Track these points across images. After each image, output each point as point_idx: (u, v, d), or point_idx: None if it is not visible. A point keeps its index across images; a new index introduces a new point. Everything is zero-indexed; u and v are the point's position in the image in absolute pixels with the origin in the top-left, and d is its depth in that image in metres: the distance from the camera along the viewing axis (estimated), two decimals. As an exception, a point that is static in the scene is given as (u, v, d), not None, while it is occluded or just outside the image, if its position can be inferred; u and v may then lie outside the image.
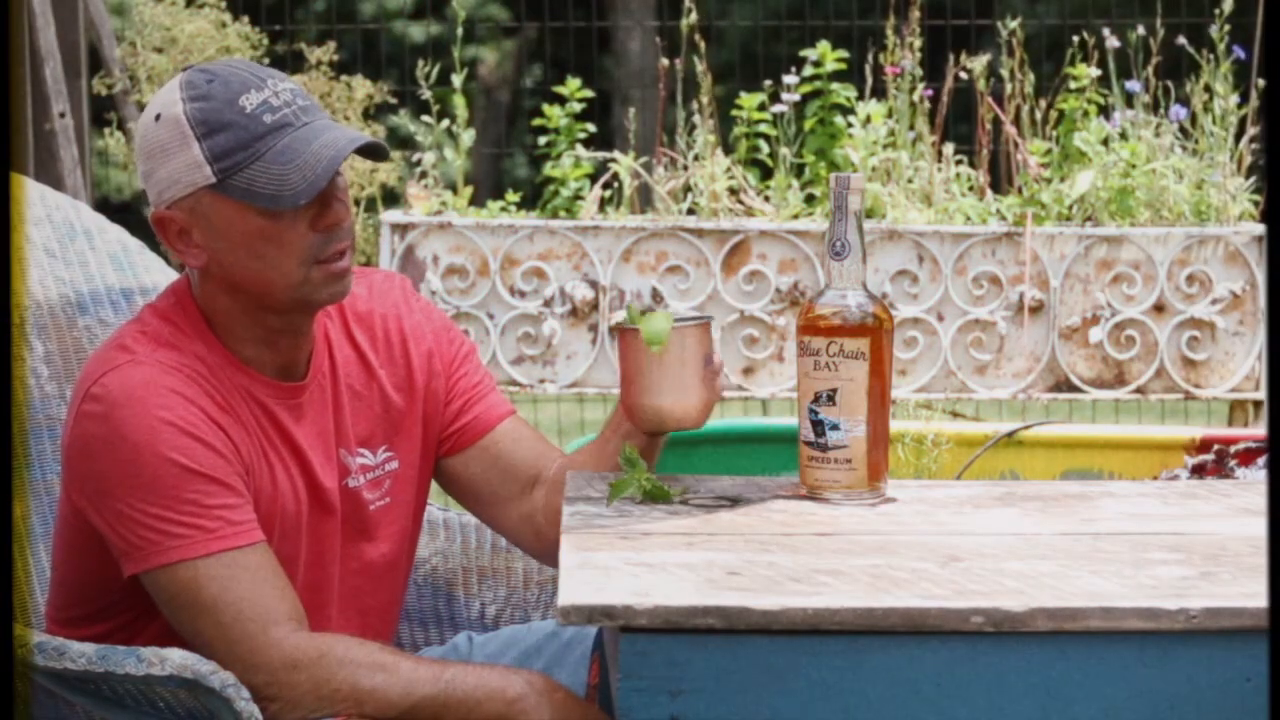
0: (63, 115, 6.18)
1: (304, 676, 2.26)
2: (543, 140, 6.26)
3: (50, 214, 2.76)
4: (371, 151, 2.37)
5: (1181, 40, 6.32)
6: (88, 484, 2.32)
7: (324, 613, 2.45)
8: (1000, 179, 6.24)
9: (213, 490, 2.29)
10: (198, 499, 2.28)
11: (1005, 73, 6.18)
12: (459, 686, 2.30)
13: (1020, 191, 6.05)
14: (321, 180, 2.30)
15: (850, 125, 6.11)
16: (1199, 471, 4.57)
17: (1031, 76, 6.22)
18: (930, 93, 6.16)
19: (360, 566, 2.49)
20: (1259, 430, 5.31)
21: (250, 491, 2.34)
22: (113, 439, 2.29)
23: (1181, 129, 6.11)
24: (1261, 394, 5.90)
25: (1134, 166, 5.98)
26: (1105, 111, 6.17)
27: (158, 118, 2.36)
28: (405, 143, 6.50)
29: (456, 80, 6.13)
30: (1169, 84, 6.19)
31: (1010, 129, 6.13)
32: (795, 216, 5.95)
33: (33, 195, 2.76)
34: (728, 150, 6.17)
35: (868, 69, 6.30)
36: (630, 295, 5.84)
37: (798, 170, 6.12)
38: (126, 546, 2.30)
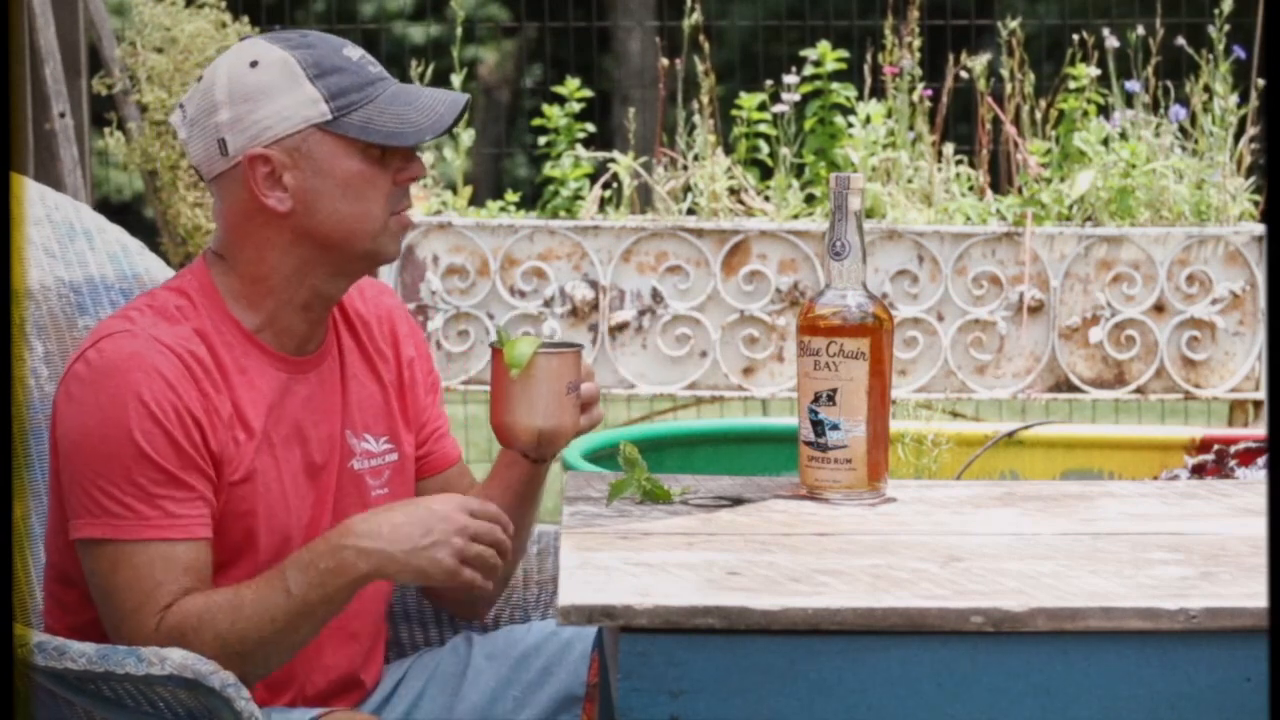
0: (63, 115, 6.17)
1: (176, 641, 2.29)
2: (543, 140, 6.26)
3: (50, 214, 2.76)
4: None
5: (1181, 40, 6.32)
6: (58, 441, 2.37)
7: None
8: (1000, 179, 6.24)
9: (161, 480, 2.32)
10: (144, 484, 2.32)
11: (1005, 73, 6.18)
12: (299, 583, 2.30)
13: (1020, 191, 6.05)
14: (445, 120, 2.42)
15: (850, 125, 6.11)
16: (1199, 471, 4.57)
17: (1031, 76, 6.22)
18: (930, 93, 6.16)
19: None
20: (1259, 430, 5.31)
21: (224, 477, 2.36)
22: (86, 403, 2.33)
23: (1181, 129, 6.11)
24: (1261, 394, 5.90)
25: (1134, 166, 5.98)
26: (1105, 111, 6.17)
27: (254, 64, 2.41)
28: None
29: (456, 80, 6.13)
30: (1169, 84, 6.19)
31: (1010, 129, 6.13)
32: (795, 216, 5.95)
33: (33, 195, 2.76)
34: (728, 150, 6.17)
35: (867, 69, 6.30)
36: (631, 295, 5.84)
37: (798, 170, 6.12)
38: (70, 511, 2.35)
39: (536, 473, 2.53)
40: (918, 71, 6.19)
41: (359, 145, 2.41)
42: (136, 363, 2.33)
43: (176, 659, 2.21)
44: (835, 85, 6.16)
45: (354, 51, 2.45)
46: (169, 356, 2.35)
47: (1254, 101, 6.13)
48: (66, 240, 2.75)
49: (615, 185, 6.08)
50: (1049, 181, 6.02)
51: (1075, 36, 6.24)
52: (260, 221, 2.42)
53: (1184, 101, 6.11)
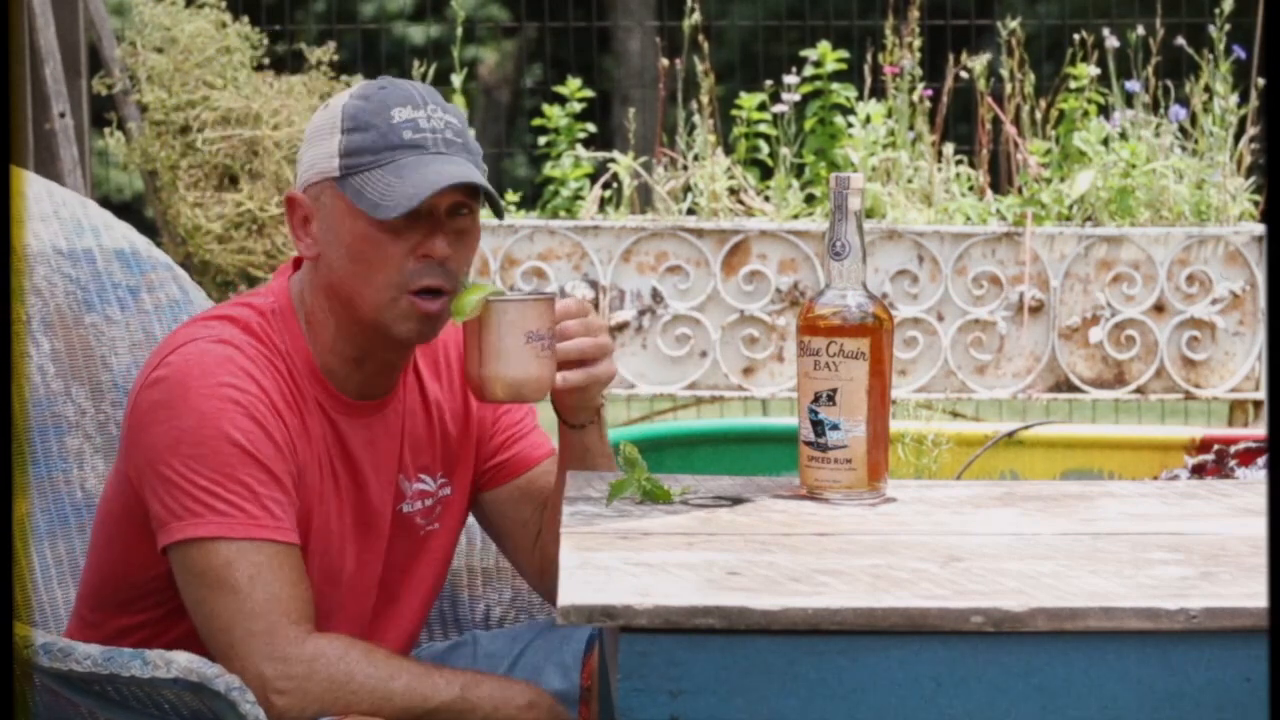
0: (63, 115, 6.18)
1: (322, 672, 2.25)
2: (543, 140, 6.27)
3: (58, 210, 2.76)
4: (489, 201, 2.38)
5: (1181, 40, 6.32)
6: (143, 449, 2.31)
7: (359, 635, 2.45)
8: (1000, 179, 6.24)
9: (265, 479, 2.29)
10: (249, 483, 2.28)
11: (1005, 73, 6.18)
12: (475, 692, 2.31)
13: (1020, 191, 6.06)
14: (415, 200, 2.29)
15: (850, 125, 6.12)
16: (1199, 471, 4.57)
17: (1031, 76, 6.23)
18: (930, 93, 6.16)
19: (396, 591, 2.50)
20: (1259, 430, 5.31)
21: (297, 496, 2.34)
22: (178, 405, 2.29)
23: (1181, 129, 6.11)
24: (1261, 394, 5.90)
25: (1134, 166, 5.98)
26: (1105, 111, 6.18)
27: (327, 105, 2.39)
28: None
29: (456, 80, 6.13)
30: (1169, 84, 6.19)
31: (1010, 129, 6.13)
32: (795, 216, 5.95)
33: (40, 192, 2.76)
34: (728, 150, 6.17)
35: (867, 69, 6.30)
36: (631, 295, 5.85)
37: (798, 170, 6.13)
38: (167, 515, 2.28)
39: (574, 440, 2.47)
40: (918, 71, 6.19)
41: (359, 209, 2.33)
42: (226, 366, 2.31)
43: (182, 662, 2.21)
44: (835, 85, 6.17)
45: (407, 112, 2.35)
46: (258, 361, 2.33)
47: (1254, 101, 6.13)
48: (74, 236, 2.75)
49: (615, 185, 6.08)
50: (1049, 181, 6.02)
51: (1075, 36, 6.24)
52: (307, 263, 2.41)
53: (1184, 101, 6.12)
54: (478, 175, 2.35)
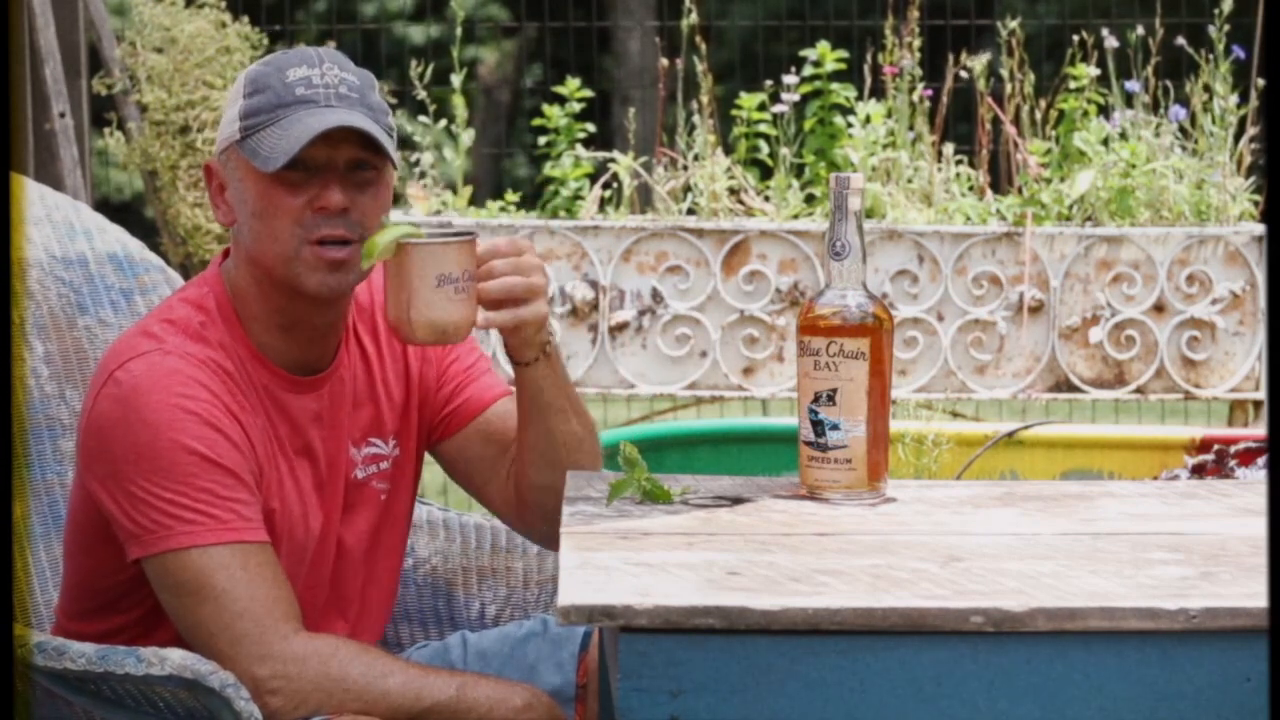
0: (63, 115, 6.17)
1: (313, 671, 2.25)
2: (543, 140, 6.26)
3: (50, 214, 2.76)
4: (370, 145, 2.38)
5: (1181, 40, 6.32)
6: (102, 465, 2.32)
7: (321, 610, 2.45)
8: (1000, 179, 6.24)
9: (229, 483, 2.29)
10: (213, 488, 2.29)
11: (1005, 73, 6.17)
12: (471, 692, 2.30)
13: (1020, 191, 6.05)
14: (292, 148, 2.33)
15: (850, 125, 6.11)
16: (1199, 471, 4.57)
17: (1031, 76, 6.22)
18: (930, 93, 6.16)
19: (361, 559, 2.50)
20: (1259, 430, 5.31)
21: (260, 492, 2.35)
22: (132, 421, 2.30)
23: (1181, 129, 6.11)
24: (1261, 394, 5.90)
25: (1134, 166, 5.98)
26: (1105, 111, 6.17)
27: (239, 77, 2.43)
28: (405, 143, 6.50)
29: (456, 80, 6.13)
30: (1169, 84, 6.19)
31: (1010, 129, 6.13)
32: (795, 216, 5.95)
33: (33, 195, 2.76)
34: (728, 150, 6.17)
35: (867, 69, 6.30)
36: (631, 295, 5.84)
37: (798, 170, 6.12)
38: (136, 529, 2.29)
39: (524, 376, 2.46)
40: (918, 71, 6.19)
41: (253, 165, 2.37)
42: (176, 378, 2.32)
43: (176, 659, 2.21)
44: (835, 85, 6.16)
45: (302, 71, 2.39)
46: (206, 370, 2.34)
47: (1254, 101, 6.13)
48: (66, 240, 2.75)
49: (615, 185, 6.08)
50: (1049, 181, 6.02)
51: (1075, 36, 6.24)
52: (234, 239, 2.44)
53: (1184, 101, 6.11)
54: (362, 121, 2.36)
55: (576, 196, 6.08)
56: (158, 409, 2.30)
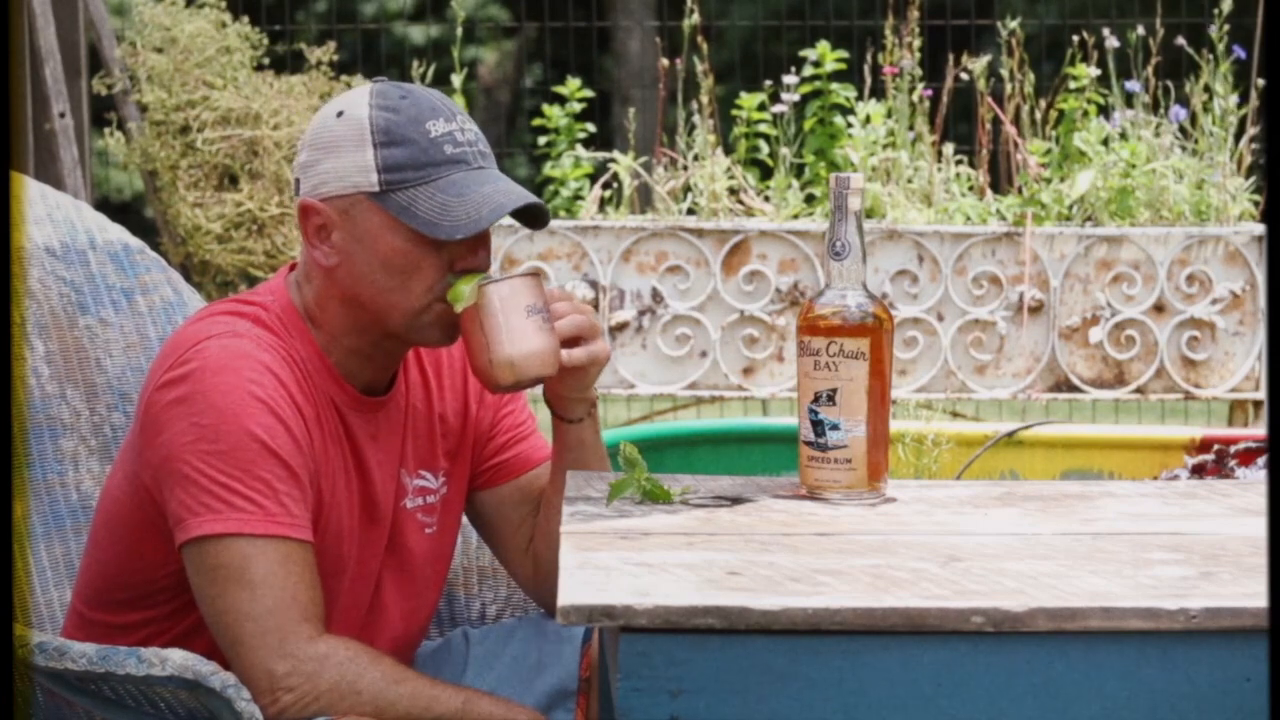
0: (63, 115, 6.18)
1: (331, 673, 2.25)
2: (543, 140, 6.26)
3: (51, 213, 2.76)
4: (533, 218, 2.39)
5: (1181, 40, 6.32)
6: (160, 448, 2.30)
7: (354, 629, 2.45)
8: (1000, 179, 6.24)
9: (284, 476, 2.28)
10: (269, 479, 2.27)
11: (1005, 73, 6.18)
12: (476, 708, 2.31)
13: (1020, 191, 6.06)
14: (485, 221, 2.32)
15: (850, 125, 6.12)
16: (1199, 471, 4.57)
17: (1031, 76, 6.22)
18: (930, 93, 6.16)
19: (398, 587, 2.50)
20: (1259, 430, 5.31)
21: (312, 492, 2.34)
22: (198, 401, 2.28)
23: (1181, 129, 6.11)
24: (1261, 394, 5.90)
25: (1134, 166, 5.98)
26: (1105, 111, 6.17)
27: (340, 114, 2.38)
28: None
29: (456, 80, 6.13)
30: (1169, 84, 6.19)
31: (1010, 129, 6.13)
32: (795, 216, 5.95)
33: (34, 194, 2.76)
34: (728, 150, 6.17)
35: (867, 69, 6.30)
36: (631, 295, 5.84)
37: (798, 170, 6.13)
38: (185, 511, 2.27)
39: (570, 435, 2.47)
40: (918, 71, 6.19)
41: (407, 225, 2.34)
42: (247, 362, 2.30)
43: (177, 659, 2.21)
44: (835, 85, 6.16)
45: (442, 126, 2.37)
46: (277, 356, 2.33)
47: (1254, 101, 6.13)
48: (68, 239, 2.75)
49: (615, 185, 6.08)
50: (1049, 181, 6.02)
51: (1075, 36, 6.24)
52: (317, 270, 2.41)
53: (1184, 101, 6.12)
54: (531, 195, 2.38)
55: (576, 196, 6.08)
56: (227, 391, 2.28)
